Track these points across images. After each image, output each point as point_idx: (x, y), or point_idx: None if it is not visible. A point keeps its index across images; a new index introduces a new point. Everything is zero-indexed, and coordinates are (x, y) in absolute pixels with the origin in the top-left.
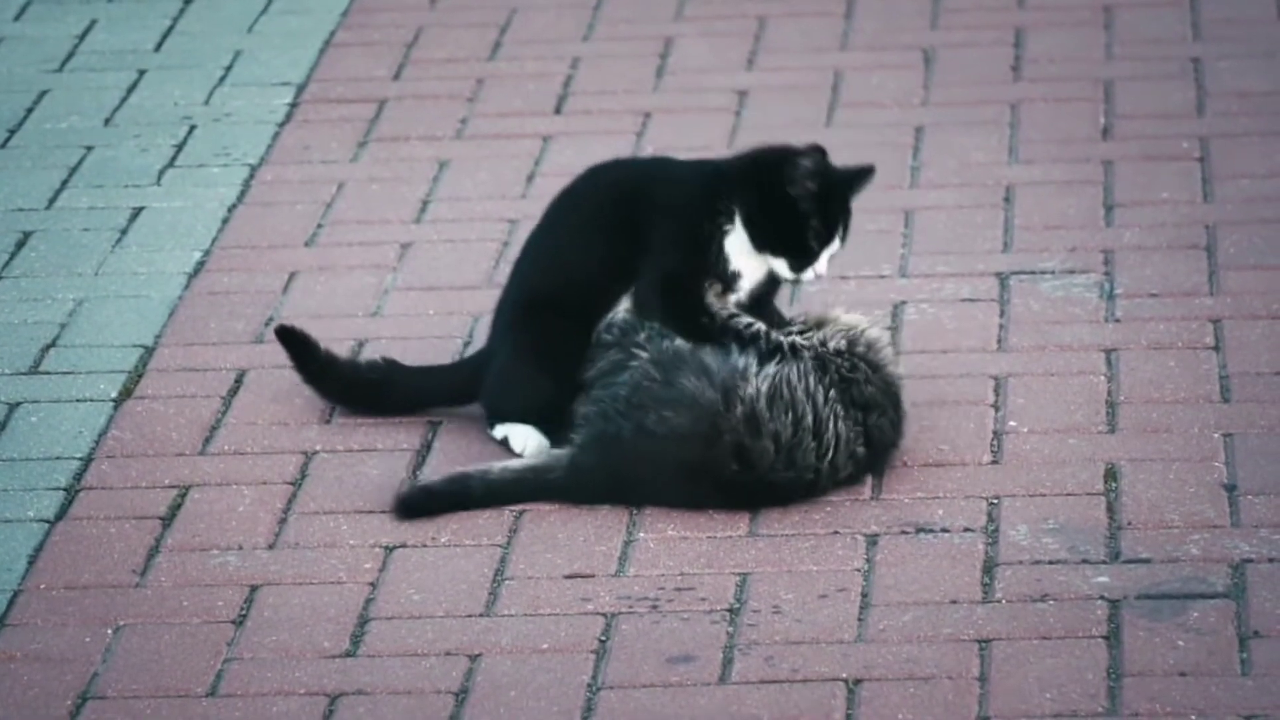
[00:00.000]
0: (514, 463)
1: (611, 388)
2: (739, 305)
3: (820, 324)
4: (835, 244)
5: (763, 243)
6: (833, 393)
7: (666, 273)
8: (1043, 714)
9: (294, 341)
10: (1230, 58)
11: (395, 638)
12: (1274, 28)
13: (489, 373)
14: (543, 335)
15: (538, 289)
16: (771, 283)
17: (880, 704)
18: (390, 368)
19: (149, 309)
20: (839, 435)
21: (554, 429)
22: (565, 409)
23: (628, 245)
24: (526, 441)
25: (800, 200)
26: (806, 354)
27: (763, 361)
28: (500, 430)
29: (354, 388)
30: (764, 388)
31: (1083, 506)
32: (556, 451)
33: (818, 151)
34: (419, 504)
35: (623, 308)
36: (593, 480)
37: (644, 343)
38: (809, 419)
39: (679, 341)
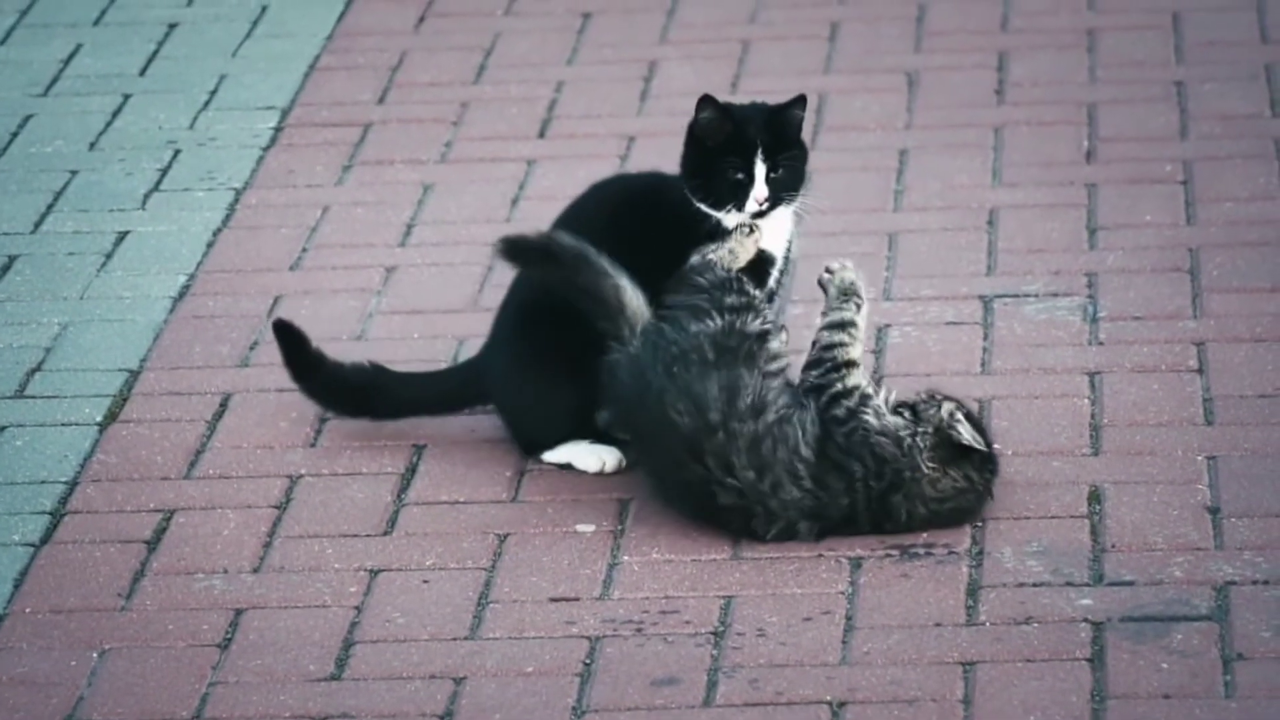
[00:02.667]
0: (624, 284)
1: (675, 331)
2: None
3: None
4: (760, 167)
5: (705, 198)
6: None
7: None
8: None
9: (289, 336)
10: (1213, 81)
11: (380, 661)
12: (1257, 50)
13: (511, 405)
14: (556, 349)
15: (539, 303)
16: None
17: None
18: (377, 372)
19: (134, 333)
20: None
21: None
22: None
23: (634, 258)
24: (588, 458)
25: (712, 148)
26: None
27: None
28: (555, 455)
29: (341, 391)
30: (761, 429)
31: (1066, 529)
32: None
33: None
34: (520, 246)
35: (723, 250)
36: (620, 390)
37: (723, 309)
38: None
39: (750, 326)
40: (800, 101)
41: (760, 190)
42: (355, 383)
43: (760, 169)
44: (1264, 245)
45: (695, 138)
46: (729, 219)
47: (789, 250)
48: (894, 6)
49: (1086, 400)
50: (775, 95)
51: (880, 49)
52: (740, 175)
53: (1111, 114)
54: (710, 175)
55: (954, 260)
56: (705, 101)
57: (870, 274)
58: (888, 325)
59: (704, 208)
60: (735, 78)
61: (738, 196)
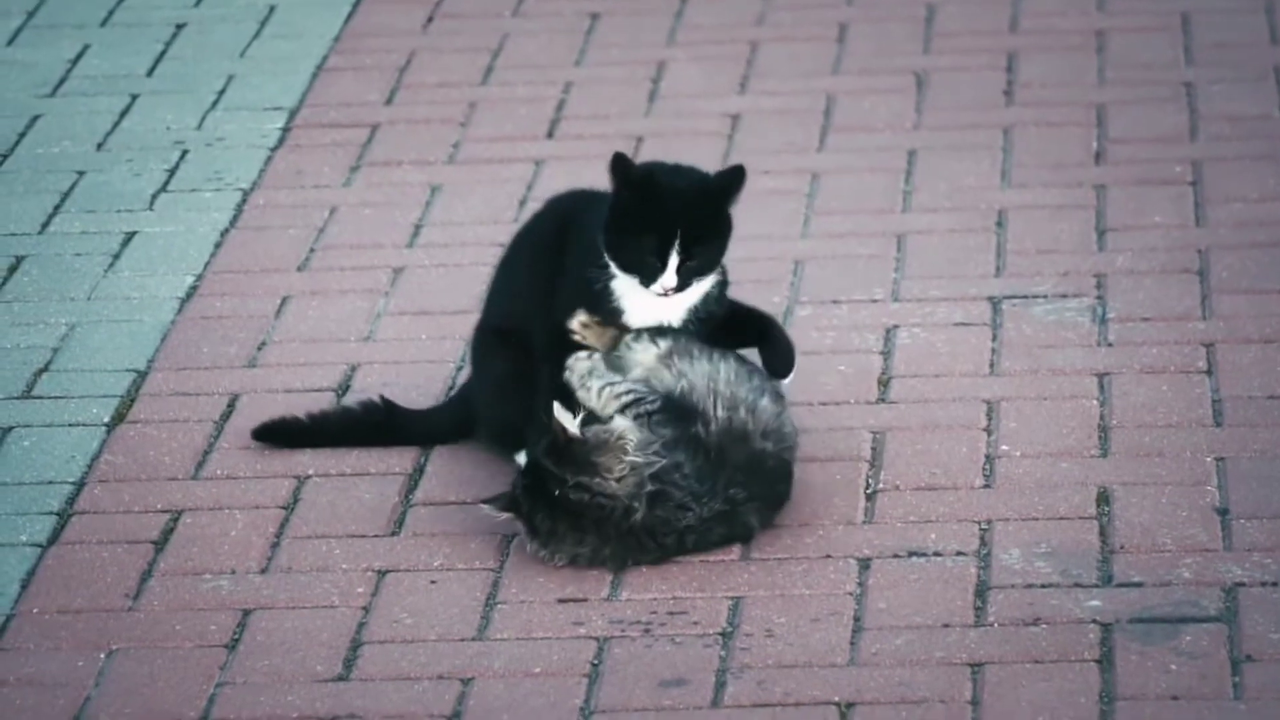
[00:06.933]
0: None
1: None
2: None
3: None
4: (674, 258)
5: (616, 258)
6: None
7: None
8: None
9: (274, 434)
10: (1222, 82)
11: (388, 661)
12: (1266, 51)
13: (484, 416)
14: (511, 365)
15: (498, 320)
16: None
17: None
18: (389, 411)
19: (141, 333)
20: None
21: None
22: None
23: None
24: None
25: (628, 216)
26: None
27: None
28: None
29: (357, 431)
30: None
31: (1075, 530)
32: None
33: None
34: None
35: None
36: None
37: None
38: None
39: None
40: (738, 176)
41: (669, 279)
42: (369, 420)
43: (674, 260)
44: (1273, 246)
45: (620, 201)
46: (629, 287)
47: (699, 311)
48: (903, 7)
49: (1095, 401)
50: (783, 97)
51: (889, 50)
52: (652, 258)
53: (1121, 115)
54: (625, 242)
55: (963, 261)
56: (637, 179)
57: (879, 275)
58: (896, 326)
59: (612, 265)
60: (743, 79)
61: (644, 275)
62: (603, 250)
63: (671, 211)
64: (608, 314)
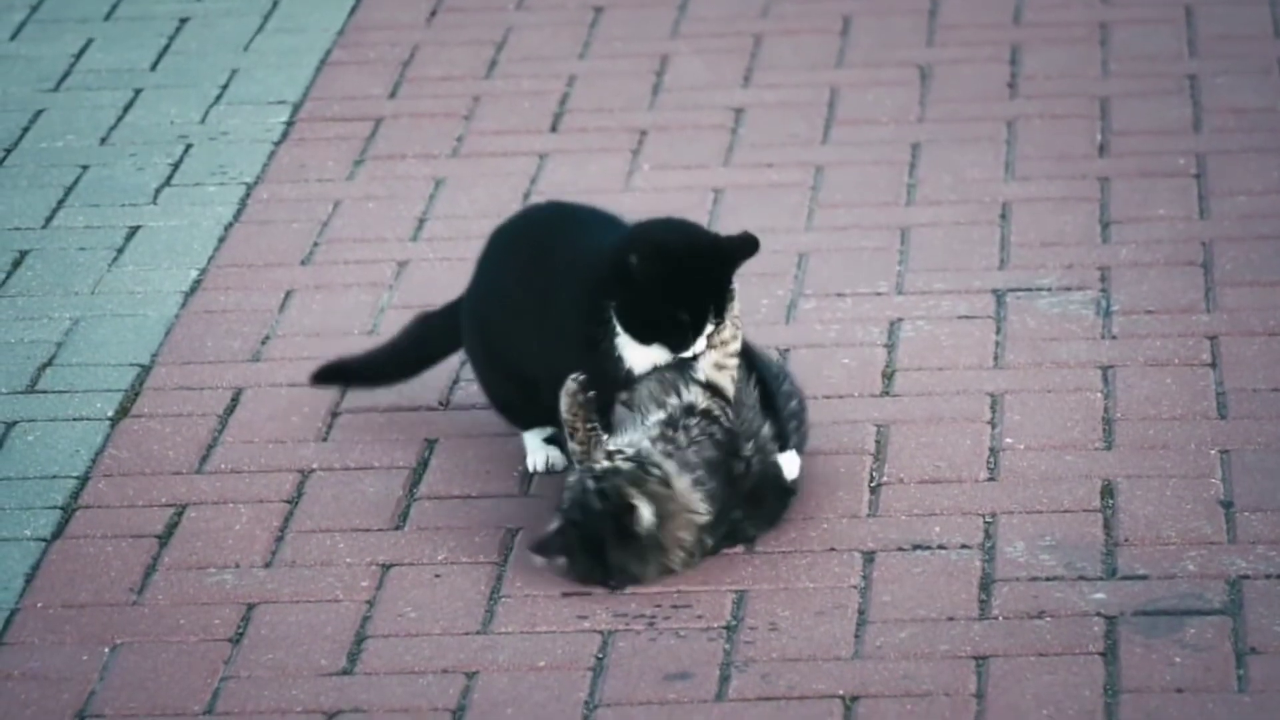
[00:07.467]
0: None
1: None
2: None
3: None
4: (709, 326)
5: (638, 335)
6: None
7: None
8: None
9: (331, 376)
10: (1226, 74)
11: (392, 655)
12: (1270, 44)
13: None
14: (490, 348)
15: (472, 318)
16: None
17: None
18: (424, 322)
19: (146, 328)
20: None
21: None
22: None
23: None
24: (536, 455)
25: (657, 297)
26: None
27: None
28: (524, 437)
29: (400, 364)
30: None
31: (1079, 523)
32: None
33: (673, 235)
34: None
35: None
36: None
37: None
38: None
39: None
40: (753, 244)
41: (700, 345)
42: (408, 345)
43: (709, 327)
44: (1277, 238)
45: (632, 278)
46: (648, 353)
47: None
48: (906, 1)
49: (1099, 394)
50: (786, 90)
51: (892, 43)
52: (684, 329)
53: (1124, 107)
54: (652, 318)
55: (966, 254)
56: (656, 252)
57: (883, 268)
58: (900, 319)
59: (628, 338)
60: (747, 72)
61: (672, 344)
62: (617, 325)
63: (701, 285)
64: (609, 365)
